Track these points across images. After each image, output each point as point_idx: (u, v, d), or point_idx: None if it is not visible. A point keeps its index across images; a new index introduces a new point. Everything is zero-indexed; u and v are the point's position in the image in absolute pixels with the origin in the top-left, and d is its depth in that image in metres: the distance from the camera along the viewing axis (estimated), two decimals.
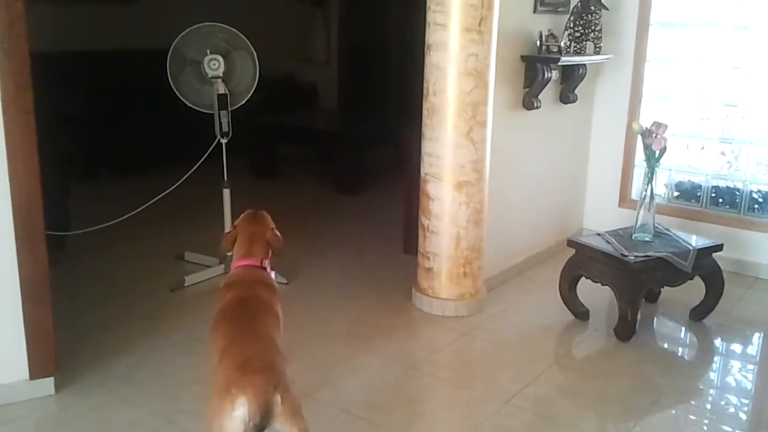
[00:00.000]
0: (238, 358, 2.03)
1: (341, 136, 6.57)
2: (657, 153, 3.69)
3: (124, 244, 4.71)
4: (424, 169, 3.84)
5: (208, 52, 4.10)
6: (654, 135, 3.68)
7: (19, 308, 2.83)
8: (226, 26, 4.19)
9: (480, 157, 3.74)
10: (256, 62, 4.23)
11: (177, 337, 3.51)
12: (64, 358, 3.10)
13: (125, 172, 6.35)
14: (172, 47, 4.14)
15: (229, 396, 1.90)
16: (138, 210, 4.38)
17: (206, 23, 4.16)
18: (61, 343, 3.08)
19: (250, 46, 4.23)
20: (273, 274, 2.61)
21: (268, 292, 2.45)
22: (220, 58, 4.11)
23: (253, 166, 6.65)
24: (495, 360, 3.45)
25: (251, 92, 4.26)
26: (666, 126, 3.69)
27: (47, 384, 2.95)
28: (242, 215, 2.71)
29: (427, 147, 3.80)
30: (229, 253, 2.65)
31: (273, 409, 1.91)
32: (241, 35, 4.21)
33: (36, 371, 2.91)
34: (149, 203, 4.39)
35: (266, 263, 2.57)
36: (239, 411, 1.88)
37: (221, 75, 4.13)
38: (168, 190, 4.41)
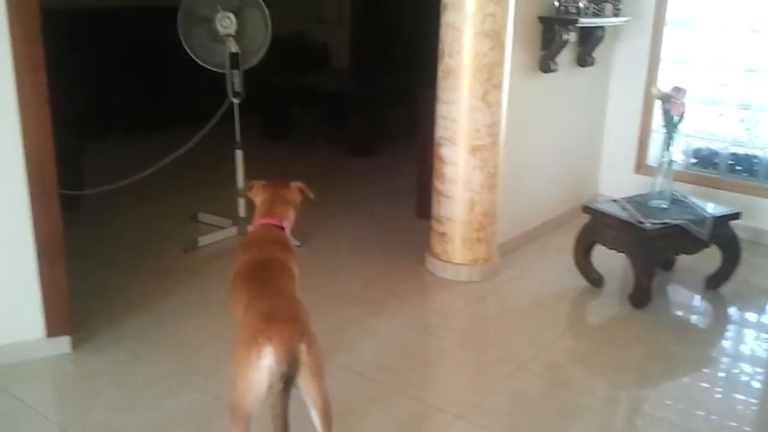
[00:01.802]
0: (263, 310, 2.02)
1: (353, 98, 6.50)
2: (676, 118, 3.63)
3: (138, 204, 4.71)
4: (439, 132, 3.79)
5: (220, 9, 4.04)
6: (673, 100, 3.62)
7: (34, 266, 2.84)
8: None
9: (495, 120, 3.69)
10: (268, 21, 4.16)
11: (191, 297, 3.52)
12: (80, 317, 3.12)
13: (138, 132, 6.31)
14: (183, 2, 4.07)
15: (256, 344, 1.89)
16: (151, 170, 4.36)
17: None
18: (77, 303, 3.09)
19: (262, 3, 4.15)
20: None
21: (285, 252, 2.44)
22: (232, 16, 4.05)
23: (265, 127, 6.61)
24: (508, 325, 3.45)
25: (263, 52, 4.21)
26: (685, 91, 3.62)
27: (64, 342, 2.97)
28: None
29: (441, 110, 3.75)
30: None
31: (298, 358, 1.90)
32: None
33: (53, 329, 2.93)
34: (162, 164, 4.37)
35: (286, 224, 2.55)
36: (266, 360, 1.87)
37: (233, 33, 4.07)
38: (181, 151, 4.38)
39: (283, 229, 2.54)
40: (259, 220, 2.56)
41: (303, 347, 1.91)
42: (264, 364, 1.87)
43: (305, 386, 1.95)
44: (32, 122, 2.72)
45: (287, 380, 1.87)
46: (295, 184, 2.67)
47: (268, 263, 2.32)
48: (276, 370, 1.86)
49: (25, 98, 2.69)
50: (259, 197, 2.63)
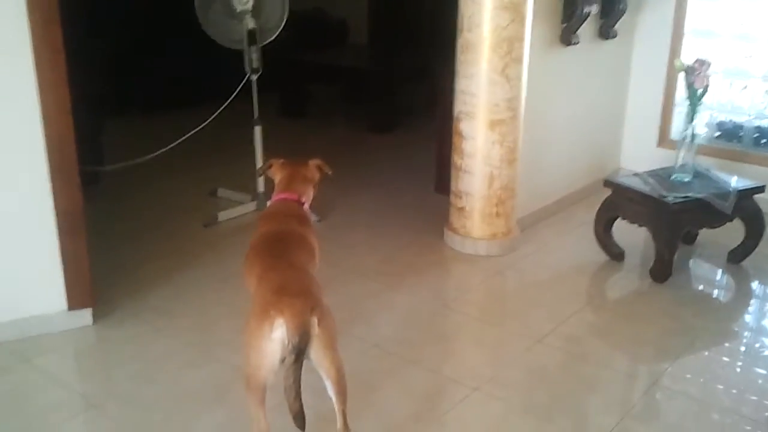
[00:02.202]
0: (275, 283, 2.05)
1: (372, 73, 6.46)
2: (699, 91, 3.57)
3: (157, 180, 4.74)
4: (458, 107, 3.76)
5: None
6: (697, 72, 3.55)
7: (55, 240, 2.87)
8: None
9: (515, 95, 3.65)
10: None
11: (210, 272, 3.55)
12: (101, 291, 3.15)
13: (157, 109, 6.33)
14: None
15: (268, 317, 1.92)
16: (170, 147, 4.38)
17: None
18: (97, 277, 3.12)
19: None
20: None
21: (303, 225, 2.45)
22: None
23: (284, 103, 6.60)
24: (527, 299, 3.44)
25: (281, 28, 4.19)
26: (709, 64, 3.56)
27: (85, 315, 3.02)
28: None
29: (460, 84, 3.72)
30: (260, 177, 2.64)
31: (310, 331, 1.91)
32: None
33: (74, 302, 2.97)
34: (181, 140, 4.39)
35: (304, 199, 2.56)
36: (277, 332, 1.90)
37: (251, 9, 4.05)
38: (200, 126, 4.39)
39: (302, 204, 2.55)
40: (277, 196, 2.57)
41: (314, 320, 1.93)
42: (276, 337, 1.90)
43: (318, 358, 1.97)
44: (52, 102, 2.74)
45: (299, 352, 1.89)
46: (314, 162, 2.68)
47: (283, 236, 2.34)
48: (288, 342, 1.89)
49: (45, 79, 2.71)
50: (277, 175, 2.64)
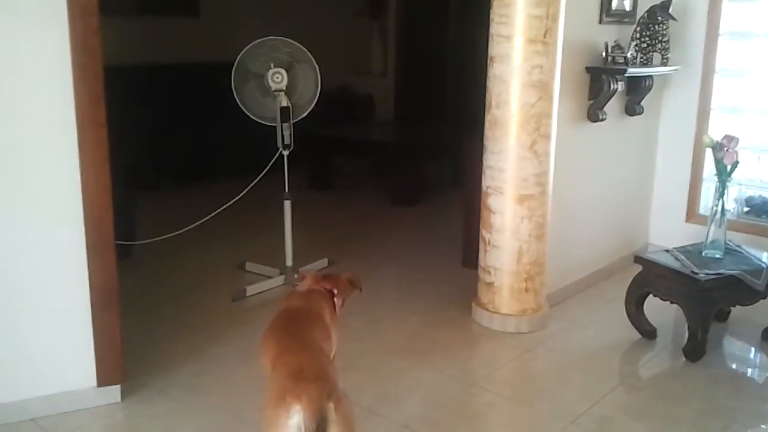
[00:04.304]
0: (291, 367, 2.05)
1: (397, 148, 6.57)
2: (728, 167, 3.57)
3: (186, 253, 4.79)
4: (486, 182, 3.79)
5: (272, 65, 4.15)
6: (725, 149, 3.57)
7: (89, 316, 2.89)
8: (290, 40, 4.24)
9: (543, 170, 3.68)
10: (318, 76, 4.27)
11: (239, 347, 3.54)
12: (129, 366, 3.14)
13: (188, 183, 6.46)
14: (237, 60, 4.20)
15: (284, 404, 1.91)
16: (200, 222, 4.44)
17: (271, 37, 4.21)
18: (126, 352, 3.12)
19: (313, 60, 4.26)
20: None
21: (320, 304, 2.47)
22: (284, 72, 4.16)
23: (311, 177, 6.70)
24: (558, 378, 3.38)
25: (313, 105, 4.30)
26: (738, 140, 3.58)
27: (114, 391, 3.01)
28: None
29: (489, 160, 3.76)
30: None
31: (327, 417, 1.91)
32: (304, 49, 4.25)
33: (104, 379, 2.97)
34: (212, 214, 4.45)
35: (332, 289, 2.59)
36: (294, 419, 1.89)
37: (284, 88, 4.17)
38: (231, 201, 4.47)
39: (332, 295, 2.57)
40: (309, 286, 2.60)
41: (331, 406, 1.92)
42: (293, 423, 1.89)
43: None
44: (92, 178, 2.80)
45: None
46: (345, 276, 2.70)
47: (299, 314, 2.36)
48: (305, 429, 1.88)
49: (87, 155, 2.78)
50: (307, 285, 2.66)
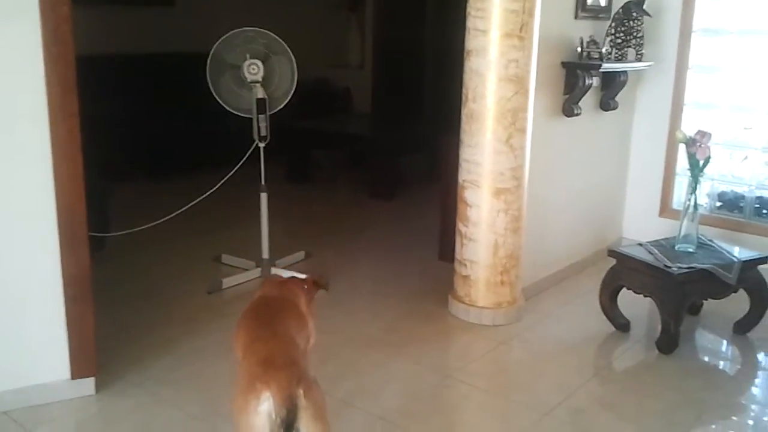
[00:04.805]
0: (260, 355, 2.06)
1: (375, 142, 6.56)
2: (701, 162, 3.62)
3: (161, 245, 4.75)
4: (462, 175, 3.81)
5: (248, 56, 4.12)
6: (698, 144, 3.61)
7: (62, 309, 2.86)
8: (266, 31, 4.21)
9: (519, 164, 3.71)
10: (294, 67, 4.24)
11: (215, 339, 3.52)
12: (104, 359, 3.12)
13: (163, 174, 6.40)
14: (212, 51, 4.16)
15: (254, 391, 1.92)
16: (177, 213, 4.41)
17: (247, 27, 4.18)
18: (100, 344, 3.09)
19: (289, 51, 4.24)
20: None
21: (295, 293, 2.48)
22: (260, 63, 4.13)
23: (288, 170, 6.68)
24: (533, 370, 3.41)
25: (289, 97, 4.28)
26: (710, 135, 3.62)
27: (88, 384, 2.98)
28: None
29: (465, 153, 3.77)
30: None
31: (297, 403, 1.91)
32: (280, 40, 4.23)
33: (77, 371, 2.94)
34: (187, 206, 4.42)
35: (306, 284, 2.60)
36: (264, 405, 1.89)
37: (260, 80, 4.15)
38: (207, 194, 4.43)
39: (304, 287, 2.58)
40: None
41: (300, 392, 1.92)
42: (263, 410, 1.89)
43: (308, 431, 1.94)
44: (65, 169, 2.77)
45: (287, 426, 1.88)
46: (310, 278, 2.70)
47: (272, 303, 2.36)
48: (275, 416, 1.88)
49: (59, 146, 2.74)
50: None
